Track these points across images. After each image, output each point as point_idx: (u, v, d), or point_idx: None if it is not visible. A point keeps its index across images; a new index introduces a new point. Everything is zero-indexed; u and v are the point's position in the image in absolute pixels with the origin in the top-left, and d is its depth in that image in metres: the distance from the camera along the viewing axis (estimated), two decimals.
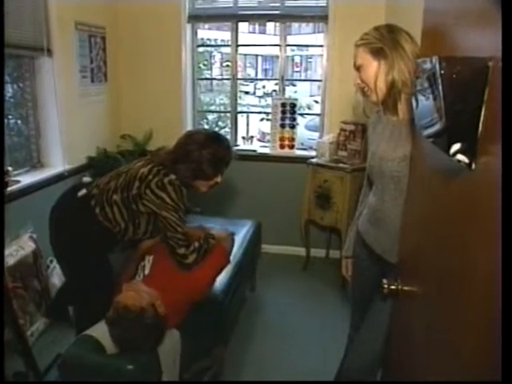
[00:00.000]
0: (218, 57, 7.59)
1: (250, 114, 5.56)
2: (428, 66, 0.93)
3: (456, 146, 0.82)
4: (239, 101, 4.93)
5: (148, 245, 2.55)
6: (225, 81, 5.22)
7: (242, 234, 3.38)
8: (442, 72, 0.82)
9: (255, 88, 9.38)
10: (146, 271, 2.38)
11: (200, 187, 2.45)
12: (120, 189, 2.33)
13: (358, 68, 1.76)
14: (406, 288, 1.33)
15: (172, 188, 2.24)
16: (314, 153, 4.26)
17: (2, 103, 3.02)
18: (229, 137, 4.85)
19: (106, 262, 2.44)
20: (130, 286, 2.19)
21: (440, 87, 0.83)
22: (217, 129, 5.63)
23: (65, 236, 2.42)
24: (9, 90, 3.39)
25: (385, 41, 1.68)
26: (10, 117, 3.41)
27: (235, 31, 4.49)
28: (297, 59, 12.05)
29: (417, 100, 1.07)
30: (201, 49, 4.98)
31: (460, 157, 0.82)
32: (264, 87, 7.92)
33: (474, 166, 0.81)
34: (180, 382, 2.19)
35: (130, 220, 2.35)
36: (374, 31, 1.72)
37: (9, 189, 2.43)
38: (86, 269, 2.37)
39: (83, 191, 2.41)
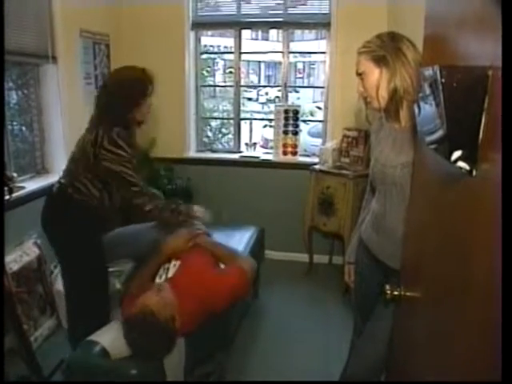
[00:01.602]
0: (221, 63, 7.62)
1: (253, 121, 5.58)
2: (430, 73, 0.94)
3: (457, 153, 0.83)
4: (242, 107, 4.96)
5: (173, 247, 2.58)
6: (228, 87, 5.23)
7: (244, 240, 3.38)
8: (443, 80, 0.83)
9: (258, 94, 9.40)
10: (170, 274, 2.41)
11: (142, 114, 2.52)
12: (82, 165, 2.44)
13: (360, 75, 1.78)
14: (408, 293, 1.34)
15: (122, 140, 2.37)
16: (316, 159, 4.27)
17: (2, 109, 3.04)
18: (232, 143, 4.88)
19: (99, 247, 2.56)
20: (158, 290, 2.19)
21: (441, 95, 0.84)
22: (220, 135, 5.66)
23: (56, 234, 2.56)
24: (13, 96, 3.42)
25: (387, 48, 1.69)
26: (15, 123, 3.43)
27: (238, 38, 4.52)
28: (299, 66, 12.08)
29: (419, 107, 1.09)
30: (204, 55, 5.01)
31: (461, 164, 0.83)
32: (267, 94, 7.93)
33: (474, 172, 0.82)
34: (181, 382, 2.19)
35: (103, 188, 2.48)
36: (377, 39, 1.73)
37: (13, 195, 2.45)
38: (80, 256, 2.49)
39: (56, 186, 2.55)
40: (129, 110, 2.47)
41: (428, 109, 0.98)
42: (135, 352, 2.02)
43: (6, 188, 2.32)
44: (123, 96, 2.45)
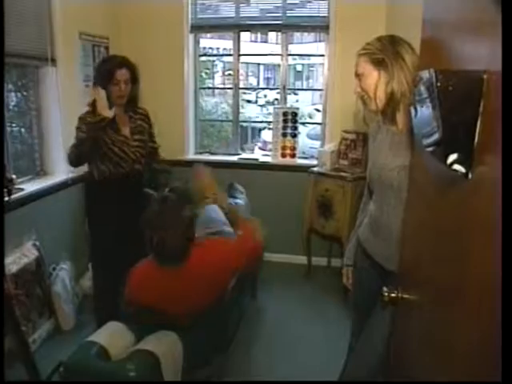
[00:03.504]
0: (219, 65, 7.63)
1: (252, 123, 5.59)
2: (426, 76, 0.95)
3: (453, 156, 0.84)
4: (241, 110, 4.96)
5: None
6: (227, 90, 5.24)
7: None
8: (439, 84, 0.84)
9: (257, 97, 9.39)
10: None
11: (114, 93, 2.78)
12: None
13: (358, 76, 1.79)
14: (406, 296, 1.35)
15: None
16: (315, 162, 4.28)
17: (2, 111, 3.04)
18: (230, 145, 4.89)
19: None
20: None
21: (437, 99, 0.85)
22: (219, 137, 5.67)
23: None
24: (13, 98, 3.42)
25: (386, 52, 1.70)
26: (14, 125, 3.44)
27: (237, 41, 4.53)
28: (298, 68, 12.09)
29: (416, 110, 1.09)
30: (203, 58, 5.02)
31: (457, 166, 0.84)
32: (266, 96, 7.94)
33: (470, 175, 0.83)
34: (180, 381, 2.19)
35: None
36: (377, 42, 1.75)
37: (12, 197, 2.45)
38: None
39: None
40: (105, 84, 2.75)
41: (424, 112, 0.99)
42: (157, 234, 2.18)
43: (5, 190, 2.32)
44: (95, 79, 2.91)
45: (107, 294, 2.92)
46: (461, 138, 0.83)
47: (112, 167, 2.84)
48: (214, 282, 2.35)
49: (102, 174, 2.83)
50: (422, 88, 0.99)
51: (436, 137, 0.91)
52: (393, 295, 1.38)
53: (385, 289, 1.40)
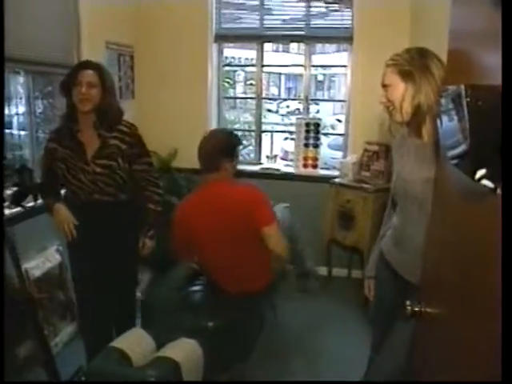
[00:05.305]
0: (242, 75, 7.68)
1: (274, 133, 5.60)
2: (453, 89, 0.94)
3: (481, 172, 0.83)
4: (263, 119, 4.98)
5: None
6: (248, 99, 5.27)
7: None
8: (468, 100, 0.84)
9: (278, 106, 9.44)
10: None
11: (75, 96, 2.37)
12: None
13: (385, 86, 1.79)
14: (429, 310, 1.33)
15: (57, 134, 2.59)
16: (336, 172, 4.27)
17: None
18: (252, 155, 4.90)
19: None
20: None
21: (466, 114, 0.85)
22: (241, 147, 5.69)
23: None
24: (39, 105, 3.49)
25: (414, 64, 1.70)
26: (40, 131, 3.50)
27: (260, 52, 4.55)
28: (320, 78, 12.12)
29: (441, 121, 1.09)
30: (226, 67, 5.06)
31: (485, 182, 0.84)
32: (288, 107, 7.97)
33: (498, 190, 0.82)
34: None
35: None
36: (405, 53, 1.75)
37: (38, 202, 2.49)
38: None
39: None
40: (67, 98, 2.46)
41: (449, 123, 0.98)
42: None
43: (31, 195, 2.37)
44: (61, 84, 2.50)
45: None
46: (489, 152, 0.82)
47: (69, 195, 2.55)
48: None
49: (64, 199, 2.57)
50: (448, 100, 0.99)
51: (460, 149, 0.90)
52: (416, 309, 1.37)
53: (407, 302, 1.39)
